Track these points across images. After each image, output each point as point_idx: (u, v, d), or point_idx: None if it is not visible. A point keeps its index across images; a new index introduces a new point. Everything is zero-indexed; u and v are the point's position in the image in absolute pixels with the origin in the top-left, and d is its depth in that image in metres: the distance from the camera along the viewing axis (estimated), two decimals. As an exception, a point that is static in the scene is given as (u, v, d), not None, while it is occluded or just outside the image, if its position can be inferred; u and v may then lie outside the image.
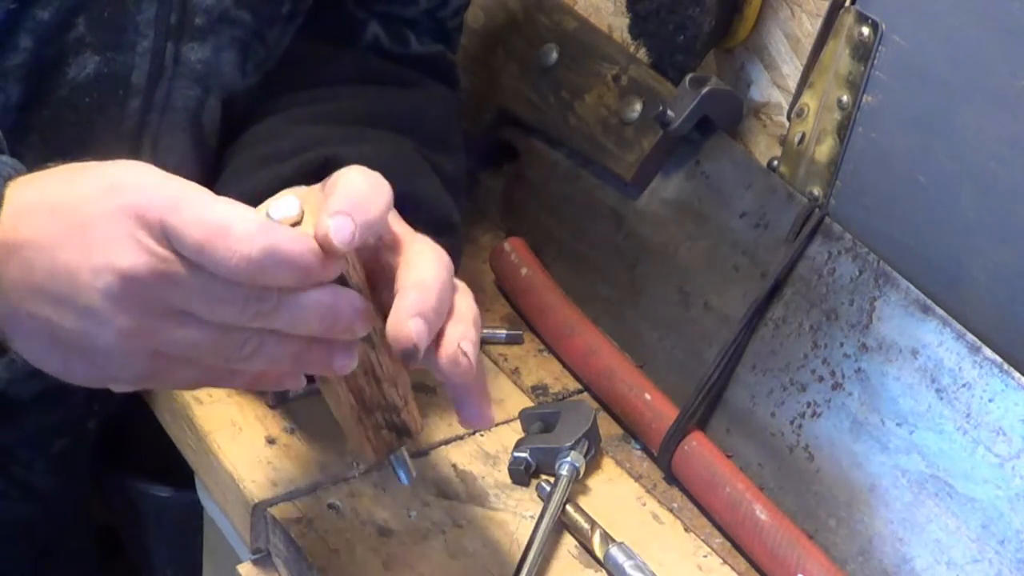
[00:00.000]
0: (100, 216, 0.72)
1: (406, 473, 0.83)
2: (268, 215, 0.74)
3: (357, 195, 0.74)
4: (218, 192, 0.96)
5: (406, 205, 0.92)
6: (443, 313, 0.78)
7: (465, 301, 0.81)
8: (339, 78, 1.06)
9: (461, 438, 1.04)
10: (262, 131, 1.01)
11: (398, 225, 0.82)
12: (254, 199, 0.93)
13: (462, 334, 0.78)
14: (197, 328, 0.73)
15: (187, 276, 0.71)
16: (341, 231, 0.72)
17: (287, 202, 0.75)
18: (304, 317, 0.73)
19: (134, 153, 0.97)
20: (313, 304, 0.73)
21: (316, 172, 0.93)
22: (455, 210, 1.00)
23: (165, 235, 0.71)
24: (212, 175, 1.02)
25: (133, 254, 0.71)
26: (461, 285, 0.82)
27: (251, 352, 0.74)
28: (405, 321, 0.76)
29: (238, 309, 0.72)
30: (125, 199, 0.72)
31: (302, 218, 0.75)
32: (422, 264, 0.79)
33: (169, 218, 0.71)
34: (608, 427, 1.07)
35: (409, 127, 1.03)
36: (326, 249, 0.73)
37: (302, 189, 0.81)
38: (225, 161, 1.00)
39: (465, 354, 0.78)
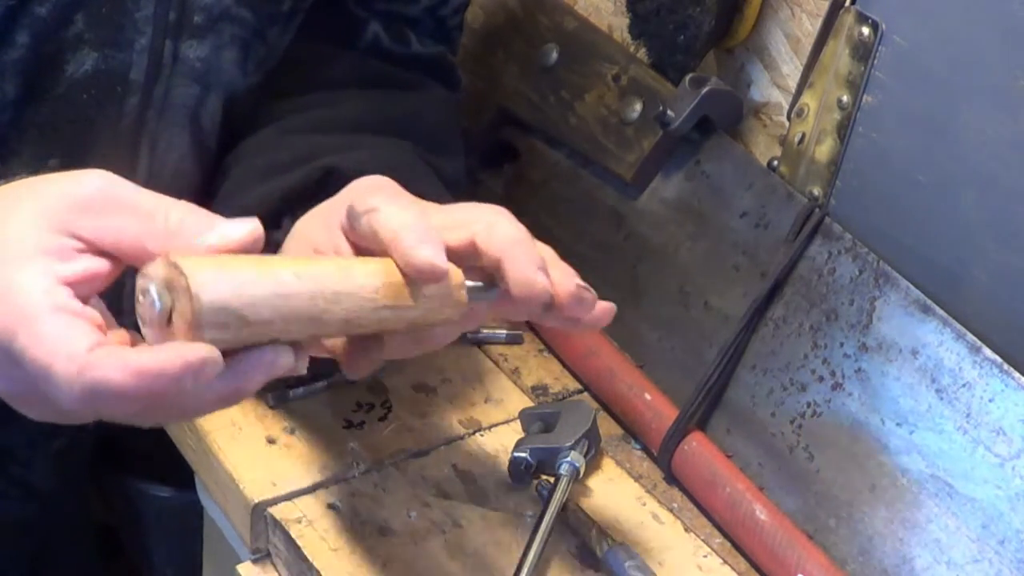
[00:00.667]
0: None
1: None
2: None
3: (410, 236, 0.76)
4: (219, 206, 0.97)
5: None
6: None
7: (542, 247, 0.82)
8: (338, 81, 1.06)
9: (461, 438, 1.04)
10: (258, 143, 1.01)
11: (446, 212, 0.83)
12: (257, 213, 0.93)
13: (566, 272, 0.82)
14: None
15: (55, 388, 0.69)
16: (431, 261, 0.75)
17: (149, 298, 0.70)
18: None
19: (133, 151, 0.97)
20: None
21: (319, 183, 0.93)
22: None
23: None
24: (211, 174, 1.02)
25: None
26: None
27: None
28: (533, 277, 0.78)
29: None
30: None
31: (170, 314, 0.70)
32: (501, 227, 0.80)
33: (11, 344, 0.69)
34: (608, 427, 1.07)
35: (408, 131, 1.03)
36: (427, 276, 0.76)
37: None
38: (223, 172, 1.00)
39: (585, 288, 0.82)
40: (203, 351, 0.68)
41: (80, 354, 0.68)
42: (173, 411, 0.74)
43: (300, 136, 1.00)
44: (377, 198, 0.80)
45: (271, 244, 0.92)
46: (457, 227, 0.80)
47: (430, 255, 0.76)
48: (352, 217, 0.80)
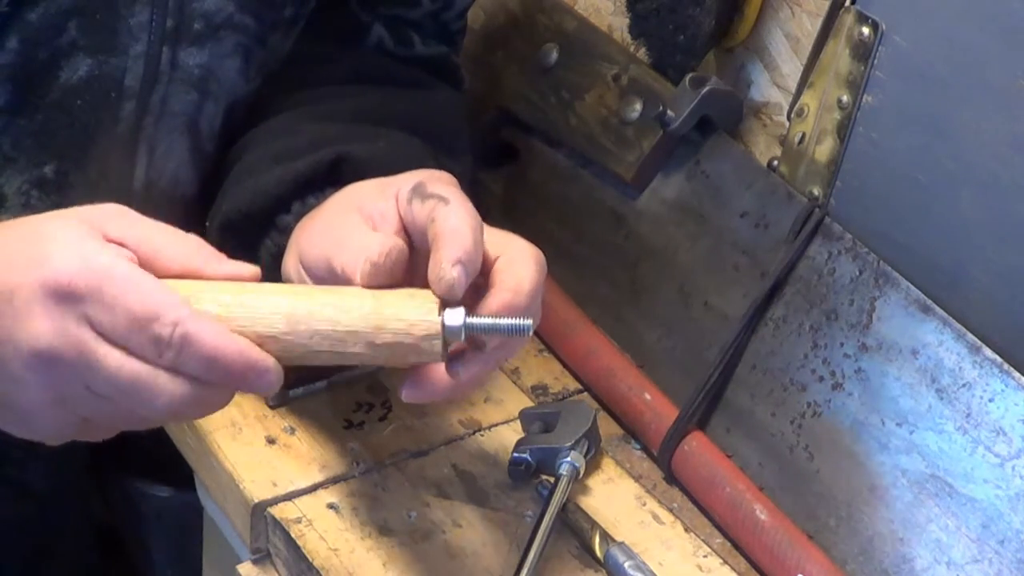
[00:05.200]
0: (21, 288, 0.73)
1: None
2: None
3: (466, 242, 0.78)
4: (230, 189, 0.98)
5: None
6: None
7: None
8: (347, 76, 1.06)
9: (461, 438, 1.04)
10: (274, 127, 1.01)
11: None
12: (267, 196, 0.94)
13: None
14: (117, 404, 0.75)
15: (105, 358, 0.73)
16: (460, 284, 0.77)
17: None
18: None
19: (130, 157, 0.97)
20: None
21: (329, 169, 0.93)
22: None
23: (87, 319, 0.72)
24: (210, 181, 1.01)
25: (50, 334, 0.73)
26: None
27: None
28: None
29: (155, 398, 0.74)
30: (45, 274, 0.73)
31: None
32: (518, 266, 0.81)
33: (89, 301, 0.72)
34: (608, 427, 1.07)
35: (418, 128, 1.03)
36: (447, 295, 0.77)
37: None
38: (235, 156, 1.00)
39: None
40: (271, 361, 0.75)
41: (183, 303, 0.73)
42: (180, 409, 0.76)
43: (314, 123, 1.00)
44: (451, 191, 0.81)
45: (280, 228, 0.92)
46: (488, 245, 0.81)
47: (457, 276, 0.77)
48: (418, 192, 0.81)
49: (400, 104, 1.04)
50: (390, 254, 0.78)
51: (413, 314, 0.76)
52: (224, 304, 0.75)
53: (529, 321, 0.78)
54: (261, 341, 0.75)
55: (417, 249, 0.82)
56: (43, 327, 0.72)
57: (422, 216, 0.81)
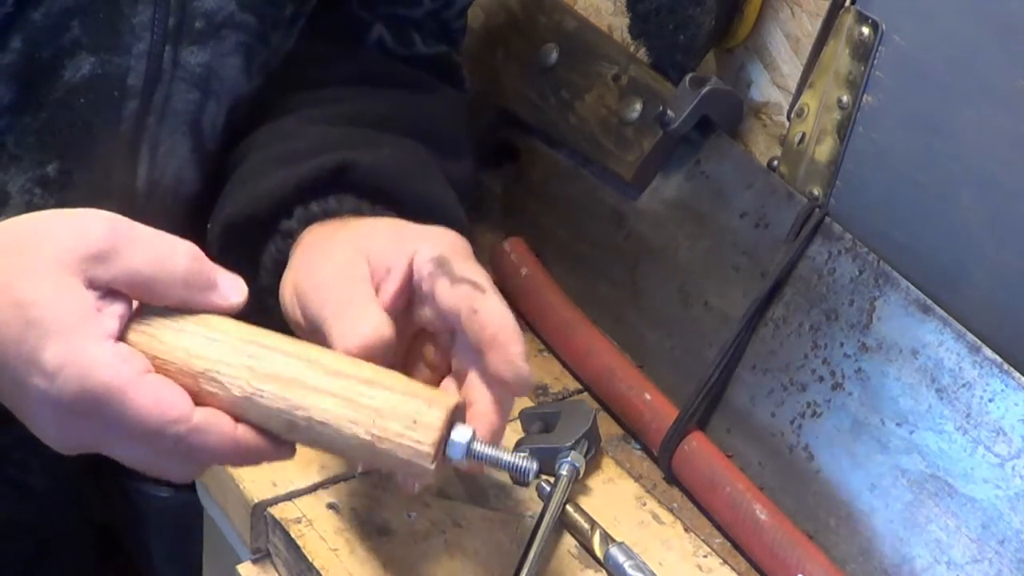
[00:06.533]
0: (17, 373, 0.74)
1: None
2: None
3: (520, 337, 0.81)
4: (233, 190, 0.98)
5: (419, 210, 0.92)
6: None
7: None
8: (349, 77, 1.05)
9: (461, 438, 1.04)
10: (276, 130, 1.01)
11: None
12: (269, 200, 0.94)
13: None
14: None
15: (119, 447, 0.77)
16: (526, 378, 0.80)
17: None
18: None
19: (132, 156, 0.97)
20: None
21: (333, 175, 0.93)
22: (464, 216, 1.00)
23: (96, 420, 0.75)
24: (213, 180, 1.01)
25: (56, 435, 0.77)
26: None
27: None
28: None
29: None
30: (42, 387, 0.74)
31: None
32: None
33: (94, 417, 0.75)
34: (608, 427, 1.07)
35: (420, 132, 1.03)
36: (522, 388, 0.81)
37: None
38: (238, 159, 1.00)
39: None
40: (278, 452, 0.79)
41: (182, 416, 0.74)
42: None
43: (318, 127, 1.00)
44: (479, 273, 0.83)
45: (283, 232, 0.92)
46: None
47: (525, 372, 0.80)
48: (445, 270, 0.83)
49: (403, 107, 1.04)
50: (379, 343, 0.80)
51: (408, 454, 0.76)
52: (230, 396, 0.76)
53: (535, 466, 0.80)
54: (271, 435, 0.78)
55: (416, 315, 0.85)
56: (50, 426, 0.76)
57: (452, 301, 0.82)
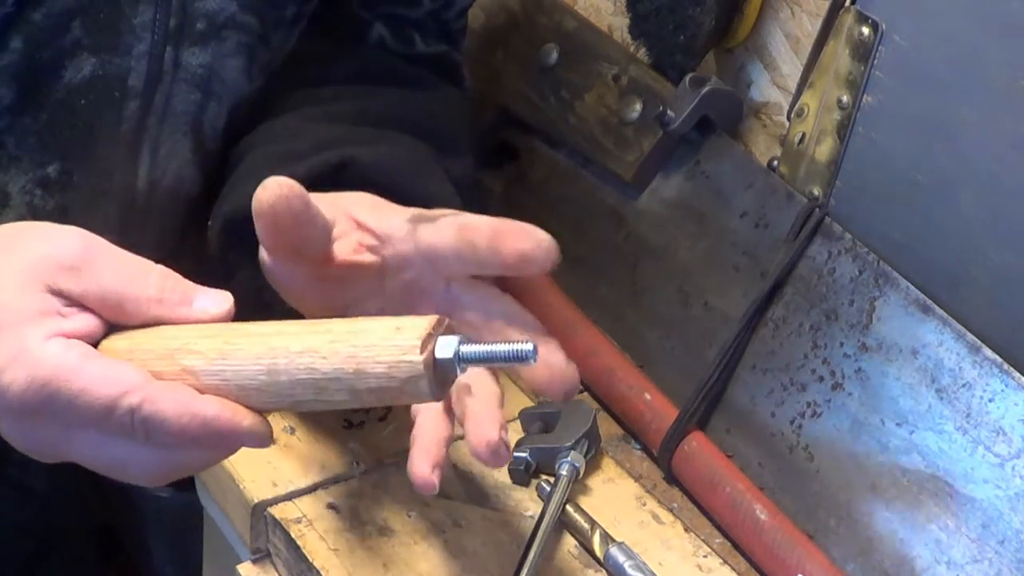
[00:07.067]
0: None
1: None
2: None
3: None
4: (232, 189, 0.98)
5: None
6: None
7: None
8: (350, 76, 1.05)
9: (461, 438, 1.04)
10: (276, 128, 1.01)
11: None
12: None
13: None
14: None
15: (80, 445, 0.75)
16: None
17: None
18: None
19: (133, 157, 0.97)
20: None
21: (333, 173, 0.93)
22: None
23: (52, 418, 0.73)
24: (213, 181, 1.01)
25: (19, 436, 0.76)
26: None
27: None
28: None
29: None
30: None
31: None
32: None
33: (47, 412, 0.73)
34: (608, 427, 1.07)
35: (421, 130, 1.03)
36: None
37: None
38: (237, 158, 1.00)
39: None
40: (246, 422, 0.74)
41: (137, 384, 0.72)
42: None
43: (318, 125, 1.00)
44: (441, 210, 0.84)
45: None
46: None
47: (541, 233, 0.81)
48: (419, 219, 0.84)
49: (403, 104, 1.04)
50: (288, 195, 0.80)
51: (393, 353, 0.70)
52: (208, 358, 0.73)
53: (531, 346, 0.72)
54: (245, 394, 0.73)
55: (400, 279, 0.85)
56: (13, 429, 0.75)
57: (440, 234, 0.83)
